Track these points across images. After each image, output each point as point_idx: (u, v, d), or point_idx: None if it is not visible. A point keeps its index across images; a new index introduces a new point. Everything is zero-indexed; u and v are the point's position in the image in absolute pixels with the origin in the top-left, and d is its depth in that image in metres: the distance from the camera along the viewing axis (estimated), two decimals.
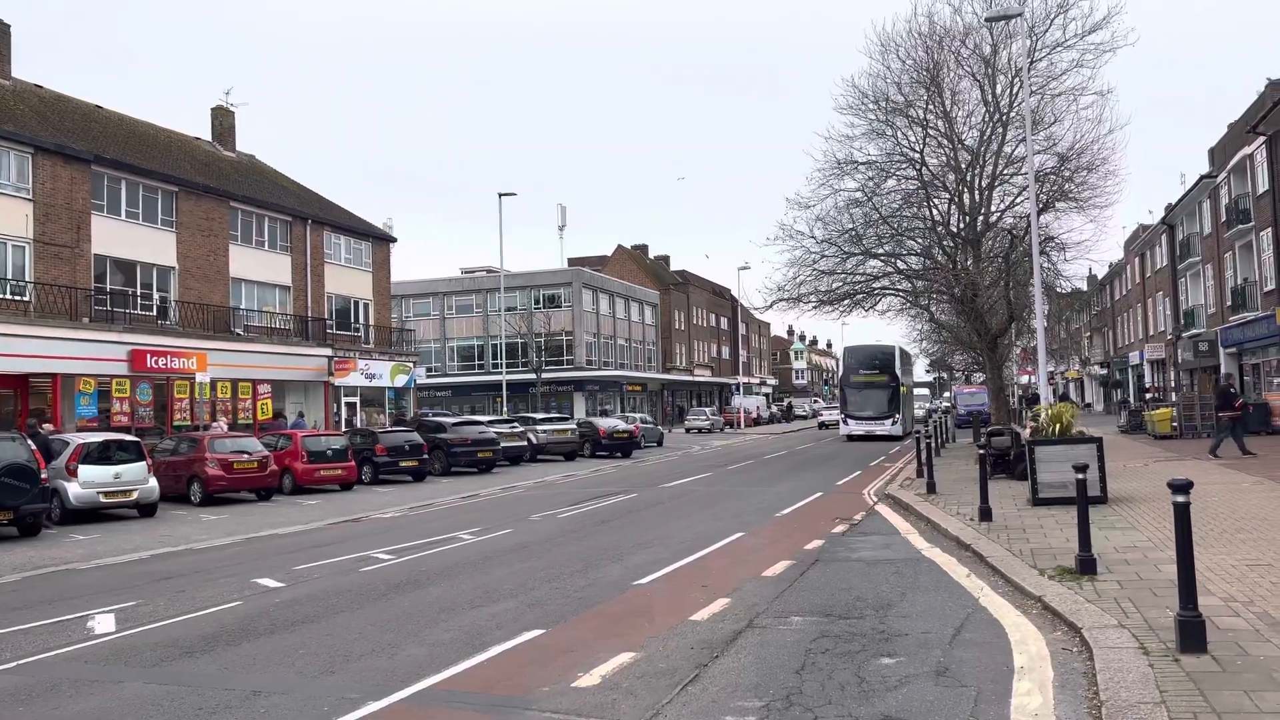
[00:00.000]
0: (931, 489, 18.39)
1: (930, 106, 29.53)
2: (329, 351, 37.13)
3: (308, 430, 28.97)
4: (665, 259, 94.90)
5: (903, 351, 48.78)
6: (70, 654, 8.44)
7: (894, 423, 43.09)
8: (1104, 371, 75.98)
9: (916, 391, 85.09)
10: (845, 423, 44.97)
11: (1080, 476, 9.72)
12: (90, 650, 8.55)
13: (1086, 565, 9.59)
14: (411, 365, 43.10)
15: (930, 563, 11.60)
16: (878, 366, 44.50)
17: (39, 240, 27.10)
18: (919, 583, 10.36)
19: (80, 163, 28.52)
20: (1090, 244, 45.24)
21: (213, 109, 40.34)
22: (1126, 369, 65.85)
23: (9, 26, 31.06)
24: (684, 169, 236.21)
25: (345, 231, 41.05)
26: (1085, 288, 66.66)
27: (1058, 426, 16.03)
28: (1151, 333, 56.73)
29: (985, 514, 14.01)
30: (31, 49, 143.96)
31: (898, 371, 44.65)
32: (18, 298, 26.29)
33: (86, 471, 19.18)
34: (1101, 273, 71.39)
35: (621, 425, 39.36)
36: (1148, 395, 51.43)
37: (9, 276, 26.27)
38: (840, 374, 48.81)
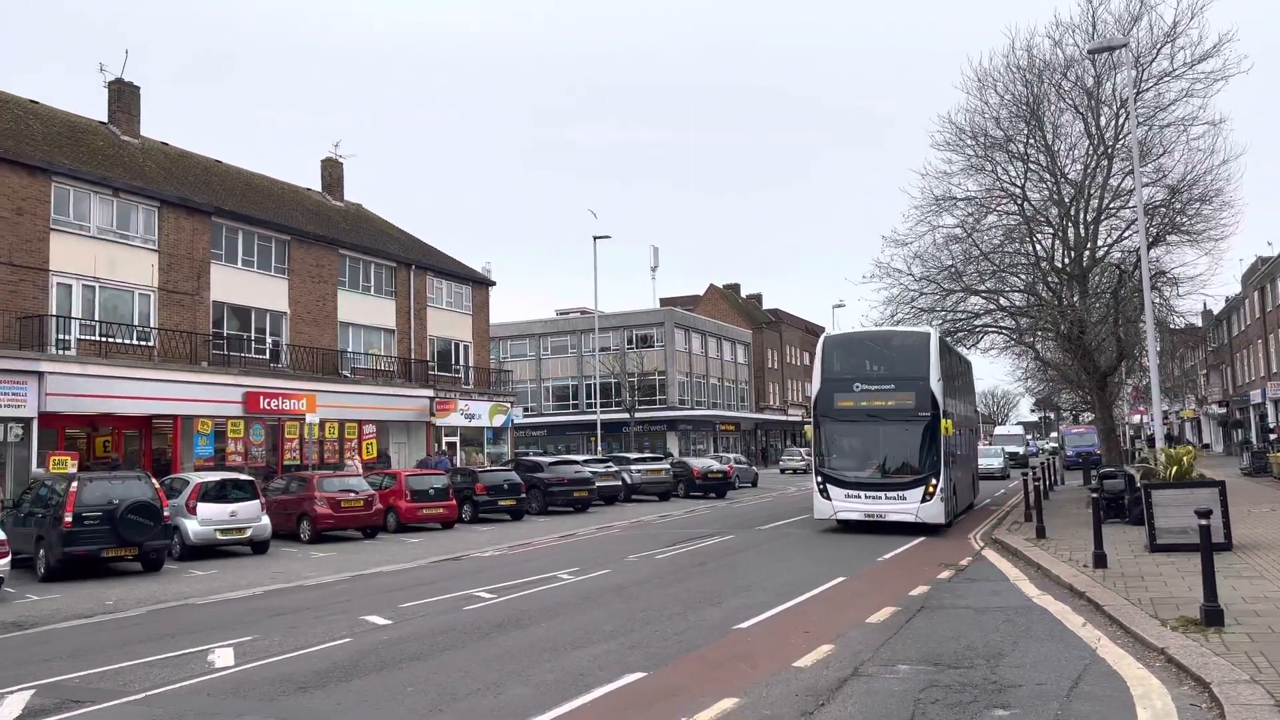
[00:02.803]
0: (1041, 533, 17.78)
1: (1031, 140, 28.93)
2: (431, 392, 38.03)
3: (425, 469, 29.64)
4: (758, 297, 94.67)
5: (944, 345, 23.97)
6: (193, 686, 8.78)
7: (928, 495, 20.73)
8: (1222, 411, 72.45)
9: (1008, 433, 72.20)
10: (825, 492, 21.70)
11: (1204, 522, 9.30)
12: (211, 684, 8.88)
13: (1213, 616, 9.14)
14: (509, 405, 43.80)
15: (1043, 611, 11.20)
16: (894, 379, 21.83)
17: (163, 289, 28.60)
18: (1032, 631, 10.01)
19: (201, 214, 30.08)
20: (1205, 278, 42.22)
21: (322, 161, 42.12)
22: (1248, 408, 62.62)
23: (139, 88, 33.10)
24: (778, 208, 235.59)
25: (447, 276, 42.20)
26: (1200, 323, 63.95)
27: (1176, 469, 15.36)
28: (1274, 370, 53.91)
29: (1100, 560, 13.49)
30: (157, 108, 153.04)
31: (934, 388, 21.23)
32: (143, 343, 27.73)
33: (205, 509, 20.00)
34: (1218, 308, 68.37)
35: (716, 465, 39.13)
36: (1272, 436, 48.77)
37: (136, 323, 27.76)
38: (816, 392, 22.84)
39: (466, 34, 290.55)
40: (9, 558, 15.28)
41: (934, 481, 20.58)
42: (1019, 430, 75.91)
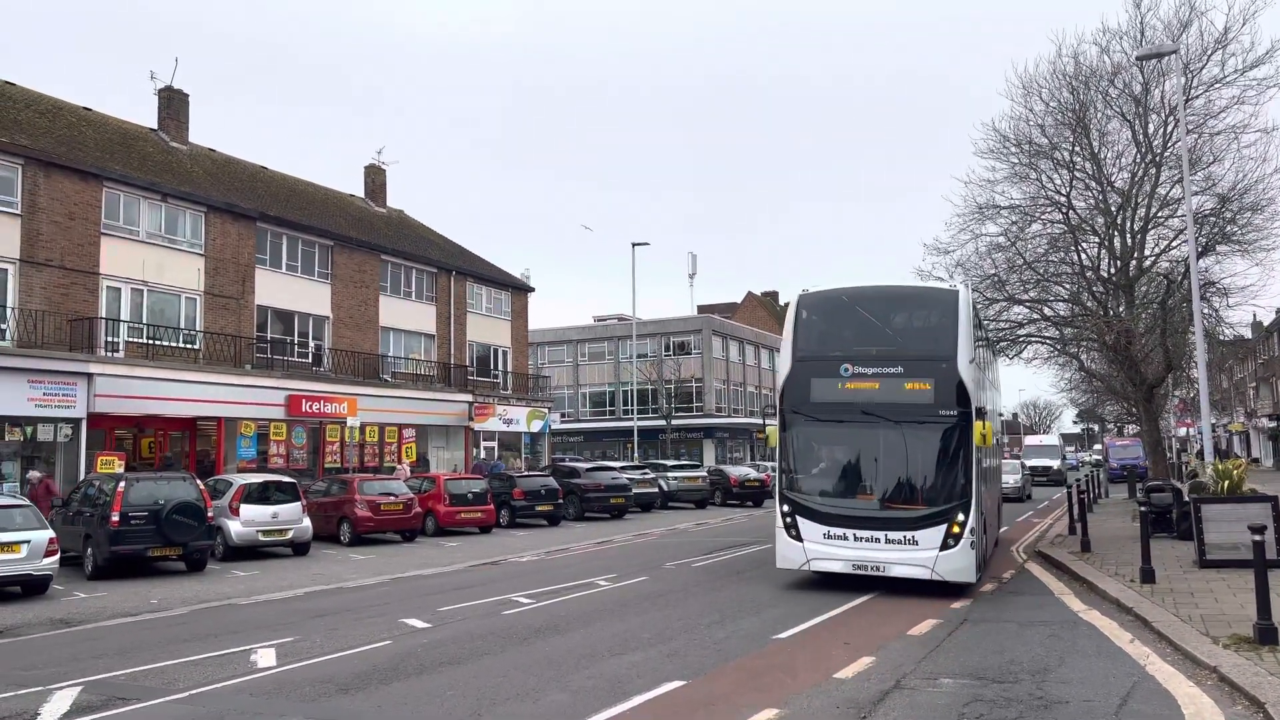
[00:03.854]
0: (1086, 547, 17.47)
1: (1077, 148, 28.48)
2: (470, 397, 38.26)
3: (450, 474, 29.86)
4: None
5: (973, 314, 15.72)
6: (236, 686, 8.87)
7: (952, 537, 13.36)
8: (1273, 424, 70.87)
9: (1038, 443, 59.11)
10: (793, 528, 14.40)
11: (1258, 538, 9.09)
12: (254, 683, 8.97)
13: (1266, 634, 8.91)
14: (546, 411, 43.93)
15: (1089, 626, 11.00)
16: (904, 359, 14.18)
17: (209, 292, 29.06)
18: (1078, 647, 9.83)
19: (247, 220, 30.53)
20: (1256, 289, 41.09)
21: (365, 167, 42.65)
22: None
23: (187, 95, 33.71)
24: (818, 216, 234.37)
25: (486, 282, 42.48)
26: (1250, 335, 62.60)
27: (1227, 483, 15.03)
28: None
29: (1147, 575, 13.22)
30: (204, 114, 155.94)
31: (964, 372, 13.79)
32: (189, 346, 28.19)
33: (248, 511, 20.26)
34: (1268, 319, 66.91)
35: (753, 474, 38.94)
36: None
37: (182, 326, 28.22)
38: (784, 376, 15.01)
39: (510, 42, 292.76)
40: (58, 556, 15.56)
41: (961, 517, 13.06)
42: (1054, 441, 61.26)
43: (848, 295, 14.99)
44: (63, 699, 8.43)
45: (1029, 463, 46.71)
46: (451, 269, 39.83)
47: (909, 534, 13.31)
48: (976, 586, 13.94)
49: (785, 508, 14.29)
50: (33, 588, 15.33)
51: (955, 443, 13.37)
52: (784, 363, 14.81)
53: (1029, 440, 69.20)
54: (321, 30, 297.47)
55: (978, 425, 13.43)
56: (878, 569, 13.49)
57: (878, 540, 13.50)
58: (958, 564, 13.13)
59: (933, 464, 13.51)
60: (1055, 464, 51.10)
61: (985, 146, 29.37)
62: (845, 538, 13.71)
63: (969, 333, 14.04)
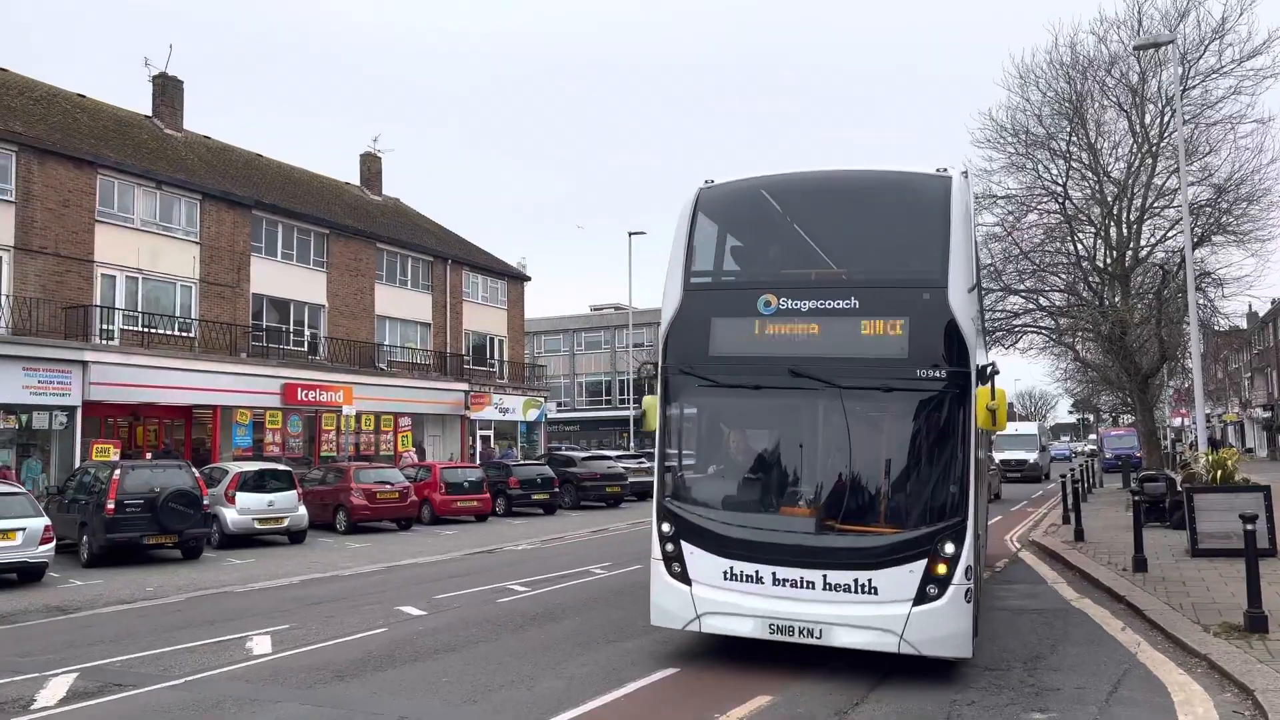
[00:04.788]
0: (1079, 536, 17.54)
1: (1073, 138, 28.54)
2: (466, 386, 38.27)
3: (447, 462, 29.91)
4: None
5: (973, 218, 10.14)
6: (232, 673, 8.90)
7: (934, 581, 7.84)
8: (1267, 414, 71.11)
9: (1013, 432, 41.77)
10: (678, 561, 8.63)
11: (1249, 527, 9.14)
12: (250, 670, 9.00)
13: (1256, 622, 8.98)
14: (542, 400, 43.98)
15: (1081, 614, 11.06)
16: (858, 288, 8.64)
17: (204, 280, 29.00)
18: (1070, 635, 9.89)
19: (242, 208, 30.45)
20: (1251, 279, 41.28)
21: (361, 155, 42.51)
22: None
23: (182, 82, 33.57)
24: None
25: (483, 271, 42.44)
26: (1245, 325, 62.76)
27: (1220, 473, 15.09)
28: None
29: (1140, 564, 13.29)
30: (199, 101, 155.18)
31: (958, 308, 8.27)
32: (185, 334, 28.15)
33: (243, 499, 20.27)
34: (1263, 310, 67.06)
35: None
36: None
37: (178, 314, 28.17)
38: (670, 315, 9.09)
39: (507, 28, 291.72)
40: (53, 543, 15.57)
41: (949, 548, 7.98)
42: (1030, 430, 46.44)
43: (772, 188, 9.72)
44: (59, 685, 8.46)
45: (998, 456, 37.97)
46: (448, 257, 39.77)
47: (864, 575, 7.89)
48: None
49: (665, 527, 8.69)
50: (28, 575, 15.34)
51: (944, 423, 8.13)
52: (670, 294, 9.09)
53: (1006, 429, 57.53)
54: (316, 16, 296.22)
55: (981, 394, 8.14)
56: (810, 633, 8.04)
57: (812, 585, 7.99)
58: (944, 627, 7.75)
59: (906, 458, 8.39)
60: (1031, 456, 42.07)
61: (982, 136, 29.44)
62: (758, 579, 8.19)
63: (967, 245, 8.78)
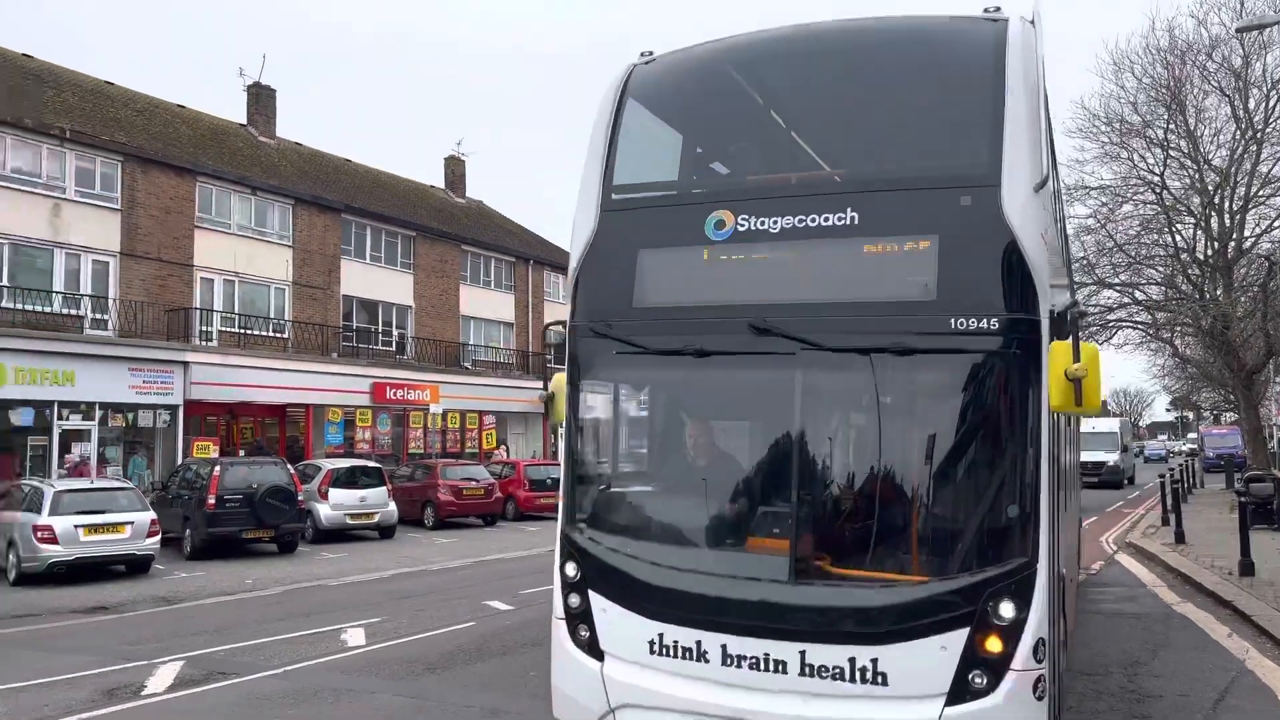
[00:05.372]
0: (1180, 538, 16.92)
1: (1171, 126, 27.52)
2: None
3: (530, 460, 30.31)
4: None
5: (1044, 90, 5.36)
6: (329, 664, 9.18)
7: (983, 659, 4.67)
8: None
9: (1089, 429, 33.64)
10: (584, 623, 5.61)
11: None
12: (345, 661, 9.27)
13: None
14: None
15: (1184, 619, 10.67)
16: (857, 192, 5.41)
17: (297, 283, 29.91)
18: (1172, 640, 9.55)
19: (333, 212, 31.30)
20: None
21: (445, 159, 43.31)
22: None
23: (274, 91, 34.65)
24: None
25: (563, 270, 42.83)
26: None
27: None
28: None
29: (1247, 568, 12.75)
30: (290, 107, 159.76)
31: (1016, 221, 4.92)
32: (278, 335, 29.07)
33: (336, 495, 20.85)
34: None
35: None
36: None
37: (271, 316, 29.11)
38: (580, 251, 6.16)
39: (588, 30, 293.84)
40: (159, 536, 16.24)
41: (1008, 608, 4.73)
42: (1111, 428, 39.71)
43: (736, 58, 6.51)
44: (167, 672, 8.83)
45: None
46: (530, 258, 40.29)
47: (865, 653, 4.91)
48: None
49: (570, 569, 5.80)
50: (136, 566, 16.04)
51: (995, 404, 5.15)
52: (581, 221, 6.20)
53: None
54: (402, 24, 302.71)
55: (1057, 352, 4.87)
56: None
57: (782, 668, 5.04)
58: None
59: (934, 462, 5.26)
60: (1112, 458, 37.36)
61: (1074, 125, 28.64)
62: (701, 654, 5.25)
63: (1033, 123, 5.29)
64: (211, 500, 17.81)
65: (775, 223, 5.44)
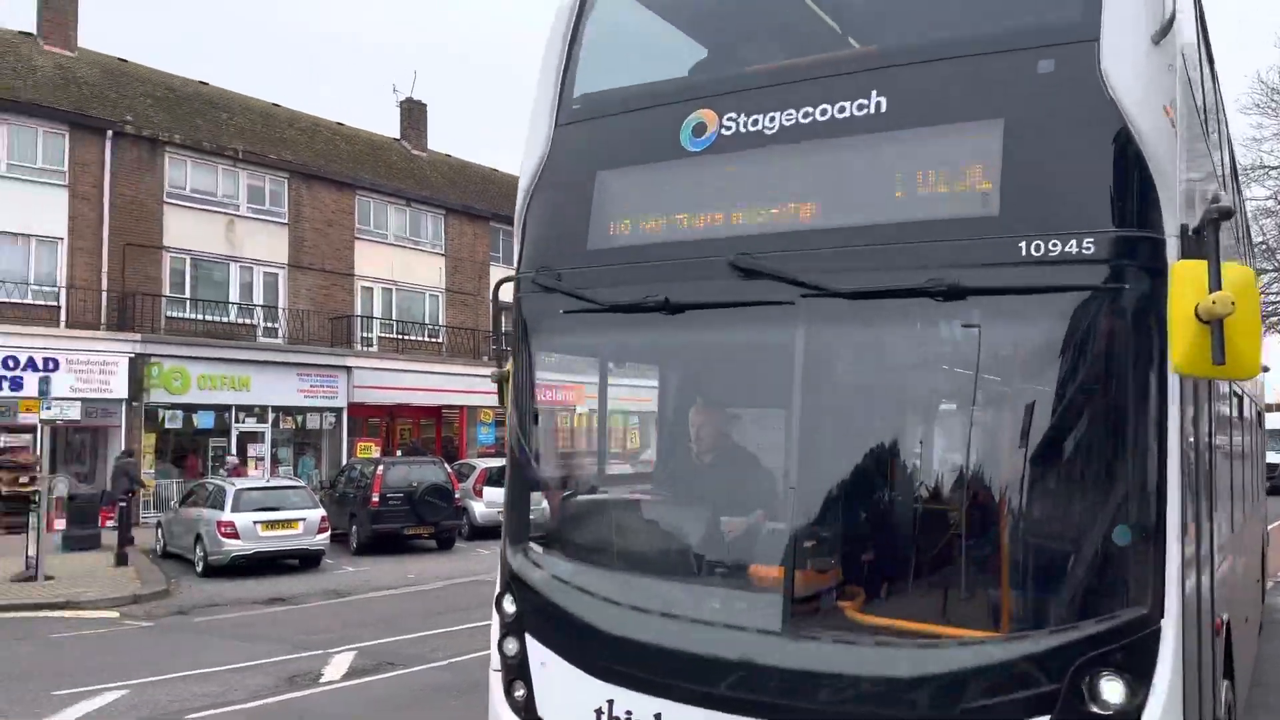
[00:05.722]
0: None
1: None
2: None
3: None
4: None
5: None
6: (488, 658, 9.46)
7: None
8: None
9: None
10: (516, 678, 4.28)
11: None
12: None
13: None
14: None
15: None
16: (894, 67, 3.75)
17: (449, 290, 31.05)
18: None
19: (481, 220, 32.34)
20: None
21: None
22: None
23: (425, 105, 36.02)
24: None
25: None
26: None
27: None
28: None
29: None
30: (434, 118, 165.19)
31: (1129, 99, 3.19)
32: (433, 339, 30.25)
33: (490, 493, 21.46)
34: None
35: None
36: None
37: (426, 322, 30.33)
38: (528, 176, 4.71)
39: None
40: (329, 532, 17.15)
41: (1114, 686, 3.02)
42: None
43: None
44: (341, 662, 9.32)
45: None
46: None
47: None
48: None
49: (507, 604, 4.46)
50: (308, 561, 16.98)
51: (1096, 371, 3.32)
52: (533, 141, 4.73)
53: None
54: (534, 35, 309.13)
55: (1181, 277, 3.03)
56: None
57: None
58: None
59: (1000, 455, 3.76)
60: None
61: (1250, 101, 26.71)
62: None
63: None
64: (376, 498, 18.66)
65: (772, 120, 3.89)
